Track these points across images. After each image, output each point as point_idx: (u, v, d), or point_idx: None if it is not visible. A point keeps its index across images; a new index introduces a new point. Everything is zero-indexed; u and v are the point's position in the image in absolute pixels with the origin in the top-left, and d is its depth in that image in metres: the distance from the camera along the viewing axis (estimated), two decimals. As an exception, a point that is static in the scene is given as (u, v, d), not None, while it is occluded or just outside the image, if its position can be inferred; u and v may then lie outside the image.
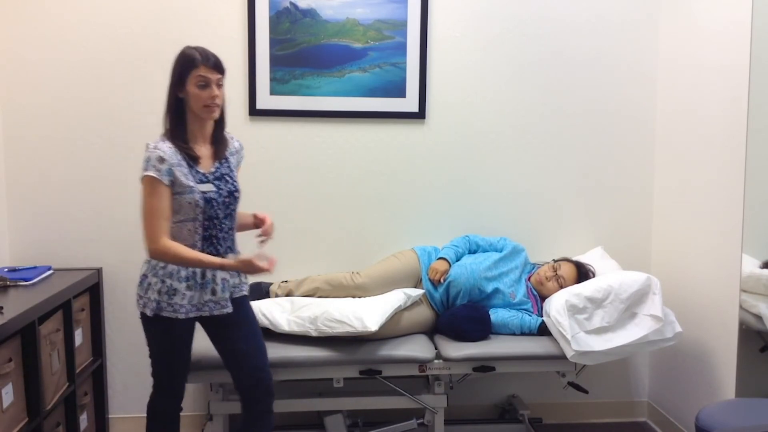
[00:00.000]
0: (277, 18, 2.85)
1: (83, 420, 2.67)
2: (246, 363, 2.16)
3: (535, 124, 3.02)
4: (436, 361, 2.52)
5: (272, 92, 2.88)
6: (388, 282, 2.72)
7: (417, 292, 2.68)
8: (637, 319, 2.51)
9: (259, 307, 2.54)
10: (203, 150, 2.10)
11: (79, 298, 2.66)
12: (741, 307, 2.42)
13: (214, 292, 2.08)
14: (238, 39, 2.85)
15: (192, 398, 2.95)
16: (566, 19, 2.98)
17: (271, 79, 2.87)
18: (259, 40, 2.85)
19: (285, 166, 2.94)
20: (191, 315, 2.06)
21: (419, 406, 2.59)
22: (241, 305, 2.18)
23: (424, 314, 2.70)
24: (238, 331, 2.16)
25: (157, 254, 2.00)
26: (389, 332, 2.53)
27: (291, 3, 2.85)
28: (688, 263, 2.81)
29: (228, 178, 2.12)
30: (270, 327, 2.50)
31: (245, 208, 2.95)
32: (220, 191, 2.08)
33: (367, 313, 2.42)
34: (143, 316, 2.08)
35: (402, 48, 2.90)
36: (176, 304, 2.03)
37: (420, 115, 2.94)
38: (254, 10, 2.82)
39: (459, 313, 2.64)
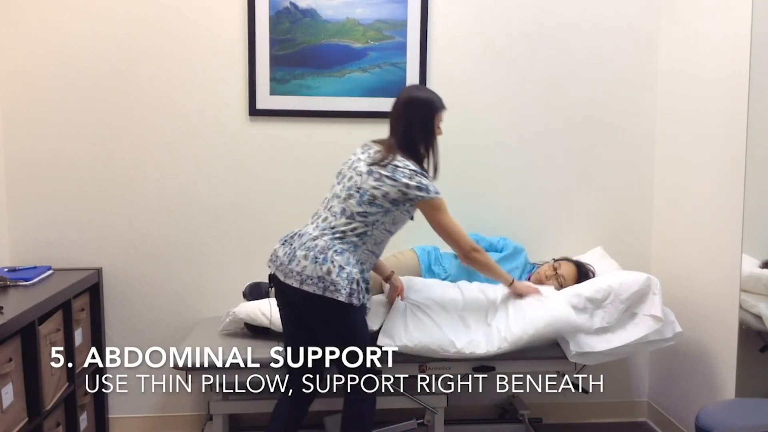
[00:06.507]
0: (277, 18, 2.85)
1: (83, 420, 2.67)
2: None
3: (535, 125, 3.02)
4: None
5: (272, 92, 2.88)
6: (387, 282, 2.72)
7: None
8: (637, 319, 2.51)
9: (259, 306, 2.53)
10: None
11: (79, 298, 2.66)
12: (741, 307, 2.42)
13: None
14: (238, 39, 2.85)
15: (192, 398, 2.95)
16: (567, 20, 2.98)
17: (271, 79, 2.87)
18: (259, 41, 2.84)
19: (285, 166, 2.94)
20: None
21: (419, 406, 2.58)
22: None
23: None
24: None
25: (477, 260, 2.33)
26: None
27: (291, 3, 2.85)
28: (688, 263, 2.80)
29: None
30: (270, 327, 2.49)
31: (245, 205, 2.98)
32: None
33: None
34: (345, 305, 2.07)
35: (402, 48, 2.90)
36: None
37: (420, 115, 2.94)
38: (254, 10, 2.82)
39: (459, 313, 2.64)
